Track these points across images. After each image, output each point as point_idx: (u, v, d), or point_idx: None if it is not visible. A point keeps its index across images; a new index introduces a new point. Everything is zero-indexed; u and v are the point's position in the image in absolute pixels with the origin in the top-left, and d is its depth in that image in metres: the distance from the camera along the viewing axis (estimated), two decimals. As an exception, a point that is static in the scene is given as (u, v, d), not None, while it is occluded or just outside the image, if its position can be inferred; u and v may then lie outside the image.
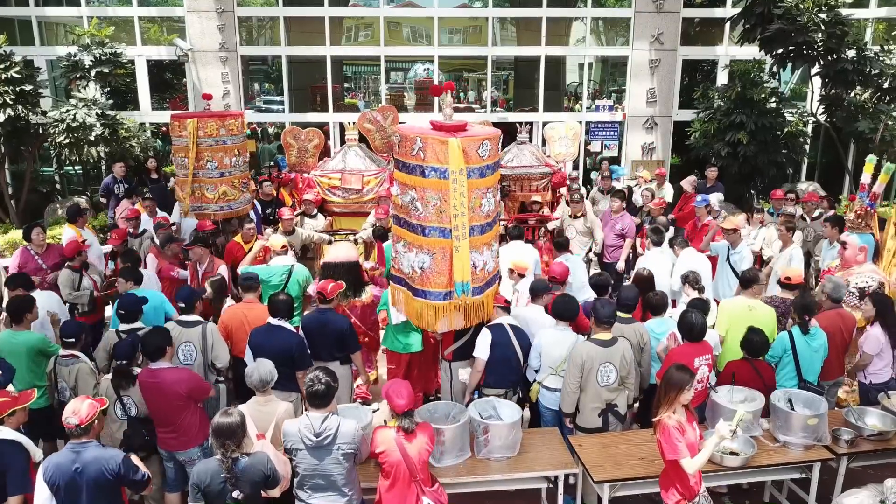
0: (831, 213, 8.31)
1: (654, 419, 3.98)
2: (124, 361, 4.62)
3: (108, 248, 8.07)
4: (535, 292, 5.55)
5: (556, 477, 4.56)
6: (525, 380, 5.34)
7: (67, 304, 6.55)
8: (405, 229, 4.83)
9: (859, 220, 6.92)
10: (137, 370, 4.69)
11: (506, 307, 5.30)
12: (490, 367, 5.05)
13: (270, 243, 6.91)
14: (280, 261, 6.67)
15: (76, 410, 3.57)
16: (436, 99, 13.37)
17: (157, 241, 7.31)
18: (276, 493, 3.73)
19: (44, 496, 3.55)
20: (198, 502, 3.55)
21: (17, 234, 9.93)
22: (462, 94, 18.41)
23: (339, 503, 3.80)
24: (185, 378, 4.51)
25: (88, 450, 3.60)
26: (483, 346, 4.97)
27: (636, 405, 5.34)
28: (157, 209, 8.65)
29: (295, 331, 5.32)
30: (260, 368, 4.24)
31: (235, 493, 3.45)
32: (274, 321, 5.14)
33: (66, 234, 7.75)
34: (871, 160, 7.31)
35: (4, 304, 6.44)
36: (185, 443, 4.56)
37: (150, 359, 4.53)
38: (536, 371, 5.22)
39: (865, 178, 7.26)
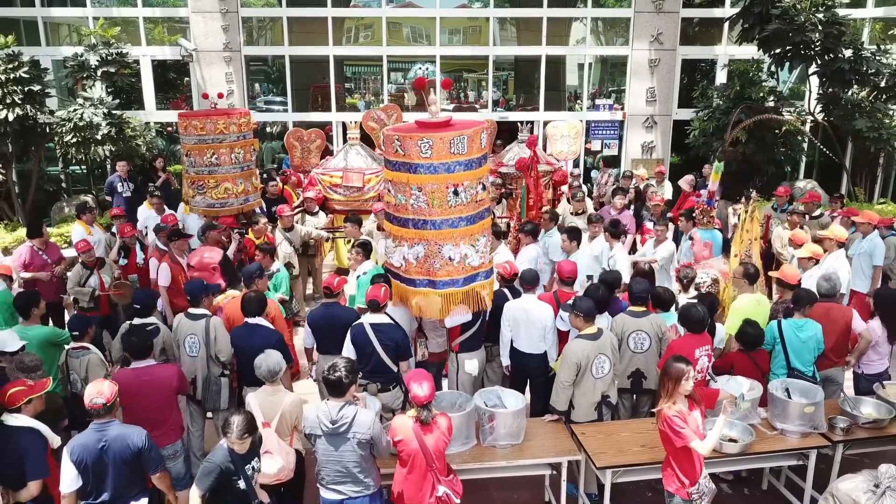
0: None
1: (653, 409, 4.08)
2: (126, 353, 4.77)
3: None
4: (527, 282, 5.61)
5: (560, 464, 4.68)
6: (545, 365, 5.46)
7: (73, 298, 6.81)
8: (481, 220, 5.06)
9: (702, 217, 7.44)
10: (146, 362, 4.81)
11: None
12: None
13: None
14: None
15: (100, 391, 3.69)
16: (438, 97, 13.48)
17: (159, 244, 7.32)
18: (267, 479, 3.89)
19: (71, 476, 3.66)
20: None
21: (24, 232, 10.03)
22: (462, 95, 18.50)
23: (355, 490, 3.89)
24: (175, 373, 4.62)
25: (112, 427, 3.73)
26: (347, 347, 5.02)
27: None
28: (165, 207, 8.77)
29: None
30: (268, 359, 4.33)
31: None
32: (251, 320, 5.21)
33: (75, 231, 7.86)
34: (717, 170, 7.84)
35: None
36: (169, 436, 4.61)
37: (138, 357, 4.59)
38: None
39: (713, 186, 7.87)
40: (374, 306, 5.02)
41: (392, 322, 5.07)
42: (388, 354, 4.96)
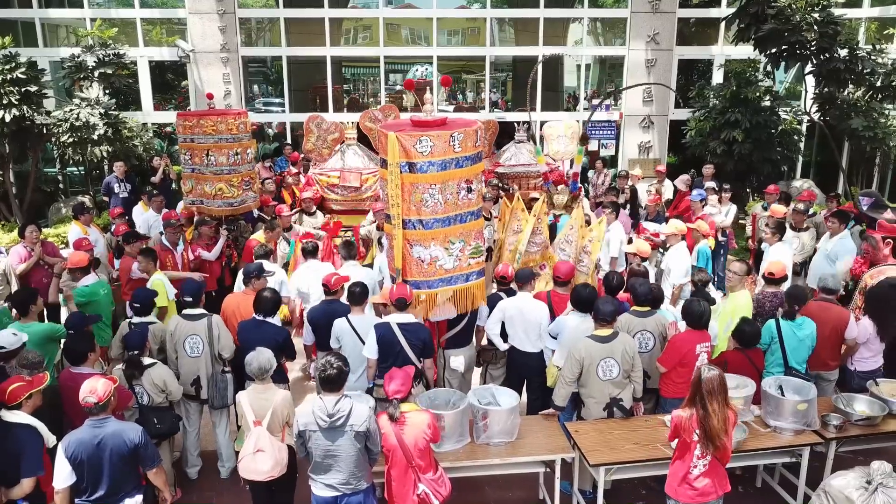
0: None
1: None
2: (135, 352, 4.77)
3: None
4: (521, 280, 5.61)
5: (554, 462, 4.69)
6: (542, 364, 5.46)
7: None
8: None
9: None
10: (148, 360, 4.84)
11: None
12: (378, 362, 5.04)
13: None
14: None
15: (93, 389, 3.69)
16: (436, 96, 13.51)
17: (165, 241, 7.36)
18: (261, 476, 3.94)
19: (64, 473, 3.67)
20: None
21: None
22: (461, 96, 18.55)
23: (350, 486, 3.89)
24: None
25: (109, 424, 3.74)
26: (370, 346, 4.98)
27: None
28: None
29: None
30: (259, 357, 4.33)
31: None
32: (259, 316, 5.23)
33: (72, 231, 7.87)
34: (580, 151, 8.08)
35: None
36: None
37: (74, 364, 4.58)
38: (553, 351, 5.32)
39: (576, 167, 8.52)
40: (402, 304, 4.97)
41: (418, 321, 5.06)
42: (415, 353, 4.94)
